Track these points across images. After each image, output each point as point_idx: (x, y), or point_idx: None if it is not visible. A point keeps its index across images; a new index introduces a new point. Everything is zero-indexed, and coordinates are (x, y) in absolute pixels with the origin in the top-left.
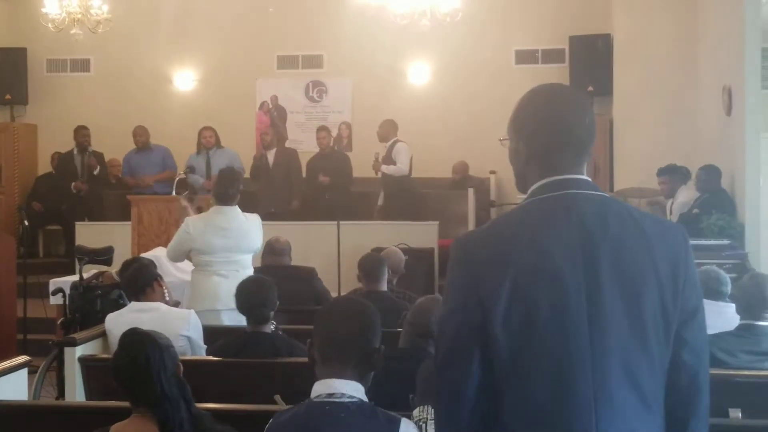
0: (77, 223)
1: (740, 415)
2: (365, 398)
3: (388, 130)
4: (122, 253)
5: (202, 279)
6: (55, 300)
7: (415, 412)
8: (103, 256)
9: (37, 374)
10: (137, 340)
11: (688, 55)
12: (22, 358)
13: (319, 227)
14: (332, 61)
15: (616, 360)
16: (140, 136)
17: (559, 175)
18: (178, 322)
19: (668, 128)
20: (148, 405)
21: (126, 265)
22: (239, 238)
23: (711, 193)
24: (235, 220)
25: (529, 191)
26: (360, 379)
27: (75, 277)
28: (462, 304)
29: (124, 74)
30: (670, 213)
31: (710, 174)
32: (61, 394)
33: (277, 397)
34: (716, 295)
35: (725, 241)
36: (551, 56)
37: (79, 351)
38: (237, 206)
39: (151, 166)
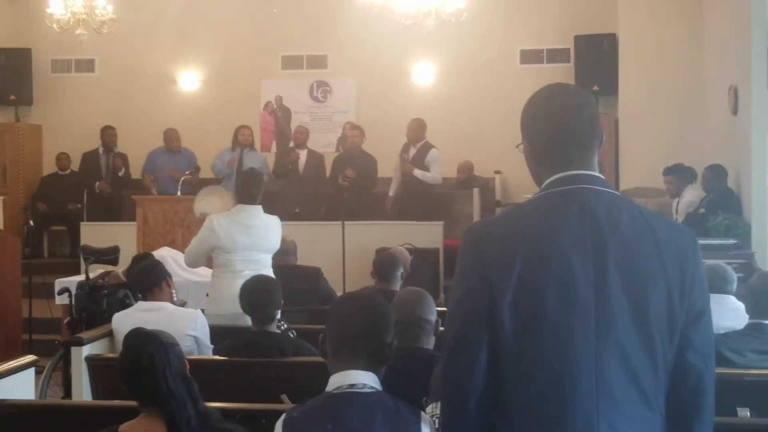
0: (82, 223)
1: (749, 414)
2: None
3: (418, 131)
4: (127, 254)
5: (225, 281)
6: (61, 300)
7: (428, 410)
8: (109, 255)
9: (44, 374)
10: (141, 339)
11: (693, 54)
12: (29, 358)
13: (324, 227)
14: (337, 62)
15: (617, 354)
16: (175, 140)
17: (568, 171)
18: (185, 322)
19: (674, 128)
20: (155, 404)
21: (136, 260)
22: (261, 236)
23: (717, 192)
24: (258, 218)
25: (542, 187)
26: (373, 372)
27: (81, 277)
28: (471, 291)
29: (128, 74)
30: (676, 213)
31: (716, 173)
32: (67, 393)
33: (284, 397)
34: (722, 290)
35: (732, 241)
36: (556, 56)
37: (86, 350)
38: (260, 206)
39: (177, 168)
